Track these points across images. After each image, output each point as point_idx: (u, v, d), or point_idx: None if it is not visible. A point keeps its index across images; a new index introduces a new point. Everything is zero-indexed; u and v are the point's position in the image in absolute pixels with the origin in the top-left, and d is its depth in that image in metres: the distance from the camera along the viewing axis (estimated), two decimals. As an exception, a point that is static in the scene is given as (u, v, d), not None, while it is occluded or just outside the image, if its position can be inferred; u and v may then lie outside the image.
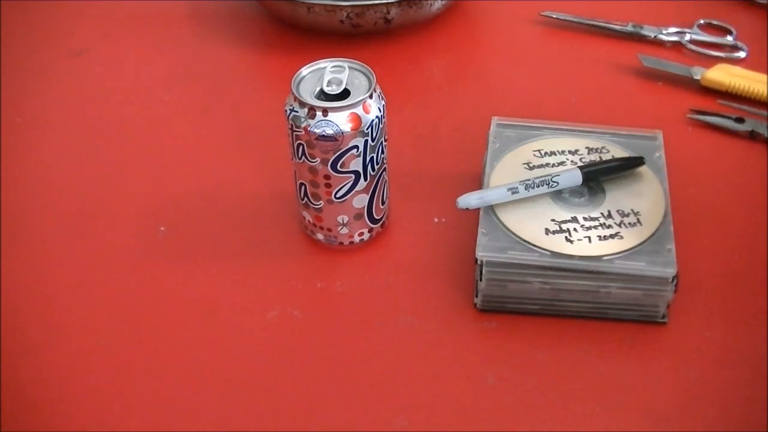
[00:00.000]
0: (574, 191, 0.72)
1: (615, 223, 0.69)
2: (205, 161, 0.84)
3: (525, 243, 0.68)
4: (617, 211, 0.70)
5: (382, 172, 0.72)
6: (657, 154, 0.74)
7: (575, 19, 1.00)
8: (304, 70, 0.70)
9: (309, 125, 0.67)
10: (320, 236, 0.74)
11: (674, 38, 0.97)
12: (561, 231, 0.68)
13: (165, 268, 0.74)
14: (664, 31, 0.98)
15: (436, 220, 0.77)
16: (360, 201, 0.72)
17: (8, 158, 0.84)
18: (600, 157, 0.74)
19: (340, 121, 0.67)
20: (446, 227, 0.76)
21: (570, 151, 0.75)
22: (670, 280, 0.66)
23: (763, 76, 0.89)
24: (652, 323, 0.68)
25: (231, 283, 0.73)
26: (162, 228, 0.77)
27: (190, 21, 1.03)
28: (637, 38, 0.98)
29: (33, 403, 0.65)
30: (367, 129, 0.68)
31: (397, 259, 0.75)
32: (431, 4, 0.96)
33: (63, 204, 0.80)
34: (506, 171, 0.74)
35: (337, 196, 0.71)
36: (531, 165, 0.74)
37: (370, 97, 0.68)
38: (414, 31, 0.99)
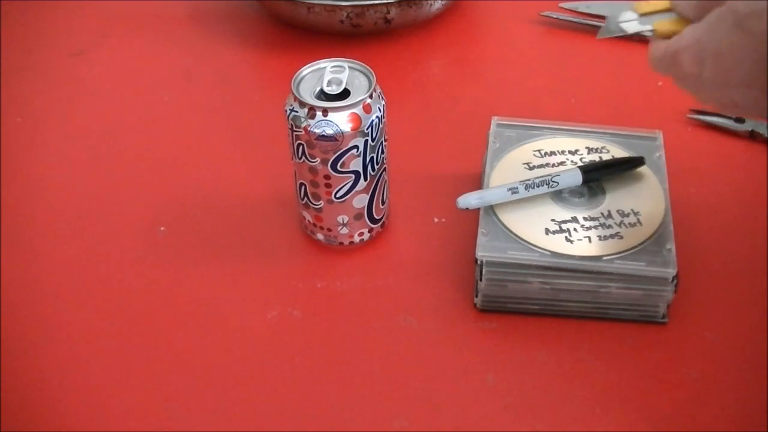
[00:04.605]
0: (574, 191, 0.72)
1: (615, 223, 0.69)
2: (205, 161, 0.84)
3: (525, 243, 0.68)
4: (617, 211, 0.70)
5: (382, 172, 0.72)
6: (657, 154, 0.74)
7: (575, 19, 1.00)
8: (304, 70, 0.70)
9: (309, 125, 0.67)
10: (320, 236, 0.74)
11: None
12: (561, 231, 0.69)
13: (165, 268, 0.74)
14: (664, 31, 0.97)
15: (436, 220, 0.77)
16: (360, 201, 0.72)
17: (8, 158, 0.84)
18: (600, 157, 0.75)
19: (340, 121, 0.67)
20: (446, 227, 0.76)
21: (570, 151, 0.75)
22: (670, 280, 0.66)
23: None
24: (652, 323, 0.68)
25: (231, 283, 0.73)
26: (162, 228, 0.77)
27: (190, 21, 1.03)
28: (637, 38, 0.98)
29: (33, 403, 0.65)
30: (367, 129, 0.68)
31: (397, 259, 0.75)
32: (431, 4, 0.96)
33: (63, 204, 0.80)
34: (506, 171, 0.74)
35: (337, 196, 0.71)
36: (531, 165, 0.74)
37: (370, 97, 0.68)
38: (414, 31, 0.99)
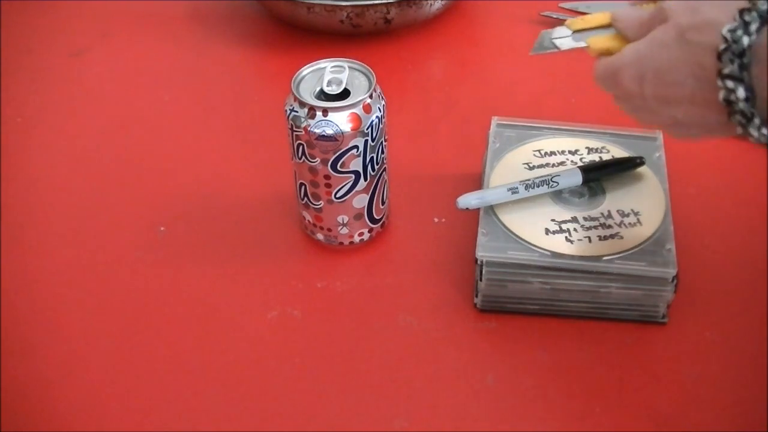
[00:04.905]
0: (574, 191, 0.72)
1: (615, 223, 0.69)
2: (205, 161, 0.84)
3: (525, 243, 0.68)
4: (617, 211, 0.70)
5: (382, 172, 0.72)
6: (657, 154, 0.74)
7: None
8: (304, 70, 0.70)
9: (309, 125, 0.67)
10: (320, 236, 0.74)
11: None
12: (561, 231, 0.68)
13: (165, 268, 0.74)
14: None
15: (436, 220, 0.77)
16: (360, 201, 0.72)
17: (8, 158, 0.84)
18: (600, 157, 0.75)
19: (340, 121, 0.67)
20: (446, 227, 0.76)
21: (570, 151, 0.75)
22: (670, 280, 0.66)
23: None
24: (652, 323, 0.68)
25: (231, 283, 0.73)
26: (162, 228, 0.77)
27: (190, 21, 1.03)
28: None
29: (33, 403, 0.65)
30: (367, 129, 0.68)
31: (397, 259, 0.75)
32: (431, 4, 0.96)
33: (63, 204, 0.80)
34: (506, 171, 0.74)
35: (337, 196, 0.71)
36: (531, 165, 0.74)
37: (370, 97, 0.68)
38: (414, 31, 0.99)
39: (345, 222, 0.72)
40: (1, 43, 0.99)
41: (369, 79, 0.69)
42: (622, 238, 0.68)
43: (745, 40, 0.50)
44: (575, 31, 0.64)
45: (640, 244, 0.67)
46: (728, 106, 0.52)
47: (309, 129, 0.67)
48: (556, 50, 0.64)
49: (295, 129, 0.68)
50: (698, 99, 0.54)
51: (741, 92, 0.51)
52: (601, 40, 0.62)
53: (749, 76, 0.51)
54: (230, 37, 1.00)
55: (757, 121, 0.52)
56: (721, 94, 0.52)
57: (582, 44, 0.63)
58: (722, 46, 0.51)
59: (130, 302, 0.71)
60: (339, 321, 0.70)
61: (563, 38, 0.64)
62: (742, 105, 0.51)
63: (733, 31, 0.51)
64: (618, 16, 0.62)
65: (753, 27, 0.51)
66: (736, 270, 0.72)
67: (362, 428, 0.63)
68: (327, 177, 0.69)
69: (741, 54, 0.50)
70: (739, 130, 0.53)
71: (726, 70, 0.51)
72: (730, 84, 0.51)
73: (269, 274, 0.73)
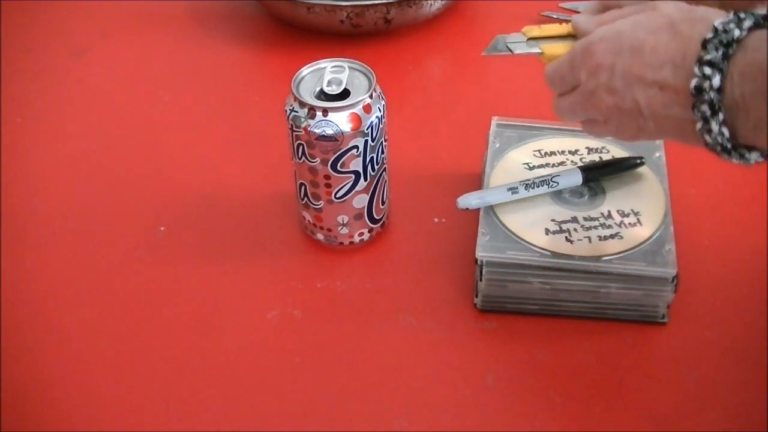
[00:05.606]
0: (574, 191, 0.72)
1: (615, 223, 0.69)
2: (205, 161, 0.84)
3: (525, 243, 0.68)
4: (617, 211, 0.70)
5: (382, 172, 0.72)
6: (657, 154, 0.74)
7: (575, 19, 1.00)
8: (304, 70, 0.70)
9: (309, 125, 0.67)
10: (320, 236, 0.74)
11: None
12: (561, 231, 0.69)
13: (165, 268, 0.74)
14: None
15: (436, 220, 0.77)
16: (360, 201, 0.72)
17: (8, 158, 0.84)
18: (600, 157, 0.75)
19: (340, 121, 0.67)
20: (446, 227, 0.76)
21: (570, 151, 0.75)
22: (670, 280, 0.66)
23: None
24: (652, 323, 0.68)
25: (231, 283, 0.73)
26: (162, 228, 0.77)
27: (190, 21, 1.03)
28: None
29: (33, 403, 0.65)
30: (367, 129, 0.68)
31: (397, 259, 0.75)
32: (431, 4, 0.96)
33: (63, 204, 0.80)
34: (506, 171, 0.74)
35: (337, 196, 0.71)
36: (531, 165, 0.74)
37: (370, 97, 0.68)
38: (414, 31, 0.99)
39: (345, 222, 0.72)
40: (1, 43, 0.99)
41: (369, 79, 0.69)
42: (622, 238, 0.68)
43: (736, 32, 0.51)
44: (530, 39, 0.65)
45: (639, 244, 0.67)
46: (697, 95, 0.52)
47: (309, 129, 0.67)
48: (509, 53, 0.66)
49: (295, 129, 0.68)
50: (669, 86, 0.55)
51: (716, 80, 0.51)
52: (557, 48, 0.64)
53: (727, 69, 0.51)
54: (230, 37, 1.00)
55: (721, 116, 0.52)
56: (694, 82, 0.52)
57: (536, 50, 0.65)
58: (710, 35, 0.52)
59: (130, 302, 0.71)
60: (339, 321, 0.70)
61: (517, 43, 0.65)
62: (712, 95, 0.52)
63: (725, 23, 0.52)
64: (578, 22, 0.63)
65: (746, 24, 0.52)
66: (736, 270, 0.72)
67: (362, 428, 0.63)
68: (327, 177, 0.69)
69: (728, 44, 0.51)
70: (699, 124, 0.53)
71: (708, 57, 0.52)
72: (707, 71, 0.52)
73: (269, 274, 0.73)
